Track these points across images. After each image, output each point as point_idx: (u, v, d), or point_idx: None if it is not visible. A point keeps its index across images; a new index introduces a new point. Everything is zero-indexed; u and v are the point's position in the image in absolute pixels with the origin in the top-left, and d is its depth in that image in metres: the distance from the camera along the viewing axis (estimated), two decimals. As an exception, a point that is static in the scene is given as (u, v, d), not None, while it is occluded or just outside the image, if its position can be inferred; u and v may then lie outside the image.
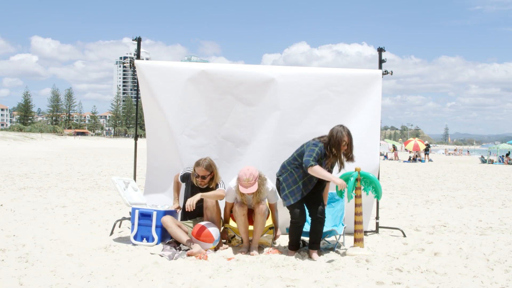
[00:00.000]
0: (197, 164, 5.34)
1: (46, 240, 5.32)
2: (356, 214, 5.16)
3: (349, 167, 5.60)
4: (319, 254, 5.08)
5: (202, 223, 5.18)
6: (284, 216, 6.03)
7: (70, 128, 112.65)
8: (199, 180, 5.34)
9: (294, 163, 5.10)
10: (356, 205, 5.19)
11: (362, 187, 5.25)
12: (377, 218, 6.41)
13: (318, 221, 5.03)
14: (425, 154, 35.59)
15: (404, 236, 6.09)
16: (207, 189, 5.40)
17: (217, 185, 5.43)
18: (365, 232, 6.04)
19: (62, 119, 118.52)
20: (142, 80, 6.03)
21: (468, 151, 69.15)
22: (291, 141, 6.19)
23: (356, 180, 5.19)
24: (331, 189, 5.93)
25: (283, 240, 5.78)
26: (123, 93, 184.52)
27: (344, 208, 5.68)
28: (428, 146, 36.53)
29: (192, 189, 5.45)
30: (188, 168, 5.62)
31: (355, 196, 5.19)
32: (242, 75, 6.07)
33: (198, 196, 5.15)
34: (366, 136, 6.15)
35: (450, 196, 11.26)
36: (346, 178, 5.24)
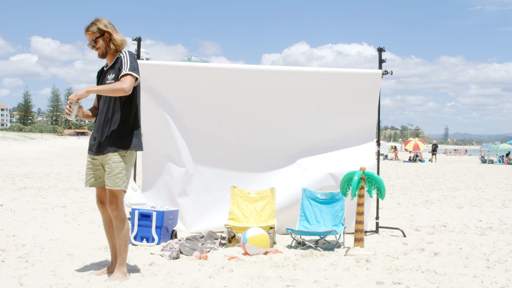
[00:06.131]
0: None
1: (46, 240, 5.32)
2: (357, 213, 5.17)
3: (350, 166, 5.61)
4: None
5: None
6: (284, 216, 6.03)
7: (70, 128, 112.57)
8: (95, 50, 3.91)
9: None
10: (358, 205, 5.19)
11: (366, 188, 5.26)
12: (377, 218, 6.41)
13: None
14: (433, 154, 35.53)
15: (404, 236, 6.08)
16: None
17: (121, 63, 3.80)
18: (365, 232, 6.03)
19: (62, 119, 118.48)
20: (142, 80, 6.03)
21: (466, 150, 69.21)
22: (290, 141, 6.22)
23: (360, 179, 5.20)
24: (332, 189, 5.93)
25: (284, 240, 5.78)
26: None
27: (344, 208, 5.68)
28: (435, 146, 36.54)
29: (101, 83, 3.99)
30: None
31: (358, 195, 5.19)
32: (242, 75, 6.09)
33: (84, 90, 3.62)
34: (364, 136, 6.20)
35: (450, 196, 11.25)
36: (350, 177, 5.24)
